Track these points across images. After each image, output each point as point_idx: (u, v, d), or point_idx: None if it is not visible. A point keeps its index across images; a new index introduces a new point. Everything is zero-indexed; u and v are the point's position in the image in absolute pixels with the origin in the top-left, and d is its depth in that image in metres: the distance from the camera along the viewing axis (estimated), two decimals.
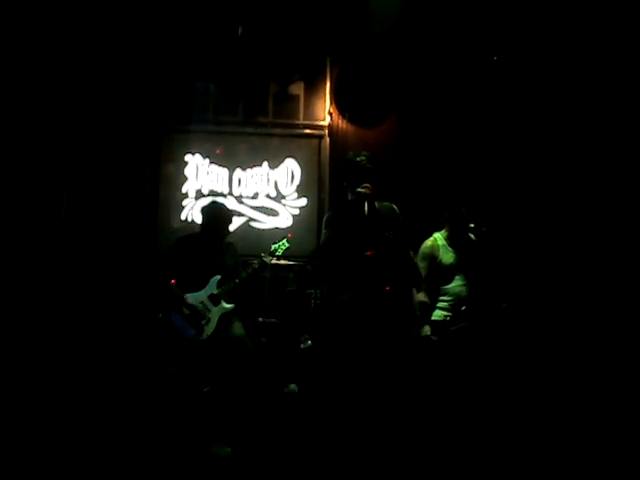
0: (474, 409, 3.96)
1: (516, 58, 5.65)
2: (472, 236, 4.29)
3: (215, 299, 4.52)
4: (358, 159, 3.77)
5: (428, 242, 4.26)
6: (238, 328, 4.57)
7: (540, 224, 5.40)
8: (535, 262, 5.29)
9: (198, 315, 4.42)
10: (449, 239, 4.26)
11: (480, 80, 5.78)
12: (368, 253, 3.61)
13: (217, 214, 4.71)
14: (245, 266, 4.70)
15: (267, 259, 4.74)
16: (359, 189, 3.65)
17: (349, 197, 3.75)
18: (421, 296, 4.08)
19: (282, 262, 4.96)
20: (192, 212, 5.86)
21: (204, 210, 4.84)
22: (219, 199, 5.59)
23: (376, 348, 3.61)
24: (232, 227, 5.34)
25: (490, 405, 4.05)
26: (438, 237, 4.28)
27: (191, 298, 4.48)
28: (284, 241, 4.85)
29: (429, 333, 4.04)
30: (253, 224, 5.91)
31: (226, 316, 4.53)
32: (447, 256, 4.20)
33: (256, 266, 4.67)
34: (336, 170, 5.92)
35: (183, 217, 5.85)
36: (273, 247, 4.82)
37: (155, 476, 3.46)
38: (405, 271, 3.83)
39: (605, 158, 5.21)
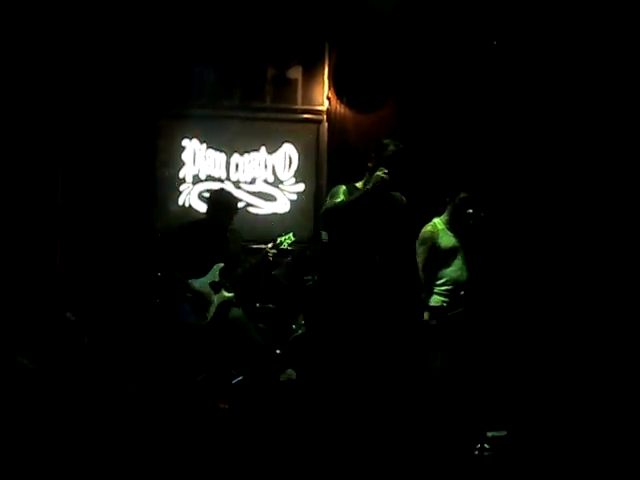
0: (468, 397, 3.97)
1: (516, 43, 5.60)
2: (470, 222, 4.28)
3: (216, 286, 4.53)
4: (395, 145, 3.73)
5: (428, 227, 4.25)
6: (237, 312, 4.59)
7: (540, 210, 5.38)
8: (534, 248, 5.28)
9: (202, 300, 4.43)
10: (449, 224, 4.25)
11: (480, 64, 5.74)
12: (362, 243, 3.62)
13: (224, 202, 4.71)
14: (249, 254, 4.72)
15: (271, 252, 4.73)
16: (378, 173, 3.61)
17: (366, 180, 3.73)
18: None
19: (281, 247, 4.94)
20: (189, 197, 5.82)
21: (211, 197, 4.83)
22: (218, 185, 5.60)
23: (373, 334, 3.61)
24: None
25: (484, 393, 4.06)
26: (438, 222, 4.27)
27: (195, 283, 4.49)
28: (290, 235, 4.84)
29: (427, 318, 4.05)
30: (251, 209, 5.88)
31: (225, 304, 4.53)
32: (446, 240, 4.19)
33: (260, 259, 4.67)
34: (334, 155, 5.90)
35: (180, 202, 5.82)
36: (279, 240, 4.82)
37: (152, 466, 3.45)
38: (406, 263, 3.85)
39: (607, 144, 5.19)
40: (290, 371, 4.79)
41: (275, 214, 5.88)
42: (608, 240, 5.06)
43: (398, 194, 3.87)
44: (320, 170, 5.94)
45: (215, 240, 4.63)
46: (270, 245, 4.77)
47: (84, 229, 5.49)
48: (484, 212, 4.18)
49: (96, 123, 5.61)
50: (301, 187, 5.93)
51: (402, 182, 3.79)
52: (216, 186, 5.53)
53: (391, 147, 3.71)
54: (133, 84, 5.66)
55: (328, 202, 3.76)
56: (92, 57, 5.53)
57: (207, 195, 5.29)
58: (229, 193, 4.81)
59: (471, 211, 4.21)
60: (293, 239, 4.84)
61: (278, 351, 4.95)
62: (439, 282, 4.15)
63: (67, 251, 5.44)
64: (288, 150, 5.94)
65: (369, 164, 3.76)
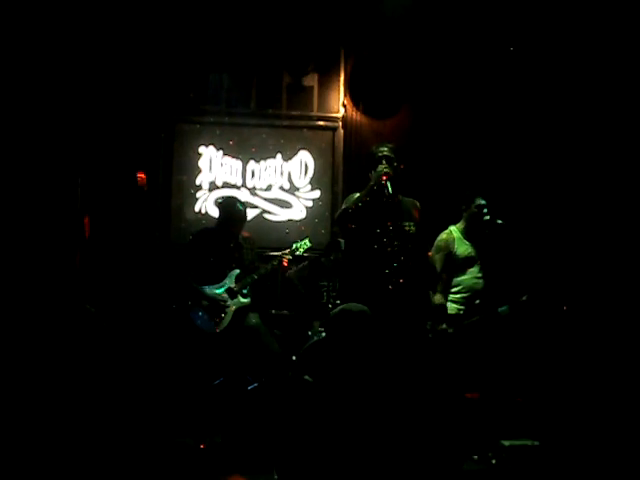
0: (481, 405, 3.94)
1: (532, 48, 5.57)
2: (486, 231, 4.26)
3: (232, 293, 4.54)
4: (381, 149, 3.73)
5: (444, 235, 4.23)
6: (254, 318, 4.60)
7: (557, 216, 5.34)
8: (552, 255, 5.23)
9: (217, 307, 4.44)
10: (465, 232, 4.23)
11: (496, 70, 5.72)
12: (379, 246, 3.58)
13: (232, 210, 4.72)
14: (264, 261, 4.72)
15: (286, 257, 4.73)
16: (380, 167, 3.60)
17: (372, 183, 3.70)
18: (438, 298, 4.06)
19: (296, 253, 4.94)
20: (206, 204, 5.85)
21: (220, 205, 4.85)
22: (233, 192, 5.62)
23: (390, 343, 3.59)
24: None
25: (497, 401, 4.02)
26: (454, 230, 4.25)
27: (209, 290, 4.50)
28: (306, 240, 4.84)
29: (445, 326, 4.02)
30: (266, 216, 5.90)
31: (242, 310, 4.54)
32: (462, 249, 4.17)
33: (275, 265, 4.68)
34: (350, 162, 5.90)
35: (197, 209, 5.85)
36: (295, 246, 4.82)
37: (163, 468, 3.45)
38: (421, 269, 3.79)
39: (625, 147, 5.14)
40: (306, 377, 4.77)
41: (291, 221, 5.89)
42: (628, 247, 5.00)
43: (410, 199, 3.83)
44: (336, 177, 5.95)
45: (227, 247, 4.64)
46: (286, 251, 4.78)
47: (102, 235, 5.53)
48: (501, 219, 4.16)
49: (114, 130, 5.65)
50: (317, 194, 5.94)
51: (415, 187, 3.78)
52: (232, 193, 5.56)
53: (375, 150, 3.73)
54: (150, 91, 5.70)
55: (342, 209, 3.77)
56: (111, 64, 5.58)
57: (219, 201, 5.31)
58: (237, 200, 4.81)
59: (488, 218, 4.18)
60: (309, 245, 4.84)
61: (294, 357, 4.94)
62: (454, 289, 4.13)
63: (85, 255, 5.48)
64: (304, 157, 5.95)
65: (369, 175, 3.74)
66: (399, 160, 3.74)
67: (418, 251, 3.73)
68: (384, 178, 3.56)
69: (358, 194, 3.77)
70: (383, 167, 3.59)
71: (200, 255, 4.59)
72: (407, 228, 3.67)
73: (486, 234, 4.20)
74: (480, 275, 4.17)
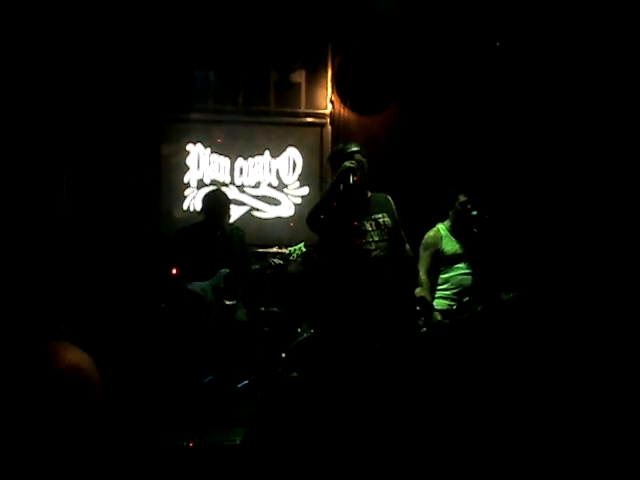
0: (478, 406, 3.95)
1: (519, 44, 5.59)
2: (474, 229, 4.27)
3: (219, 292, 4.52)
4: (348, 146, 3.74)
5: (431, 233, 4.25)
6: (241, 315, 4.61)
7: (544, 212, 5.36)
8: (539, 250, 5.26)
9: (202, 303, 4.43)
10: (452, 229, 4.25)
11: (483, 66, 5.73)
12: (357, 242, 3.57)
13: (214, 200, 4.72)
14: (257, 258, 4.72)
15: (277, 262, 4.69)
16: (345, 163, 3.60)
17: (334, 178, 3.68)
18: (418, 291, 4.07)
19: (290, 259, 4.91)
20: (194, 202, 5.83)
21: (203, 198, 4.85)
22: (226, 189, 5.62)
23: (377, 338, 3.60)
24: (234, 215, 5.37)
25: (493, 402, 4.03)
26: (441, 227, 4.27)
27: (195, 286, 4.49)
28: (301, 245, 4.76)
29: (440, 318, 4.02)
30: (255, 213, 5.89)
31: (227, 308, 4.55)
32: (450, 246, 4.18)
33: (270, 272, 4.66)
34: None
35: (185, 207, 5.83)
36: (288, 250, 4.76)
37: (157, 467, 3.46)
38: (400, 264, 3.80)
39: (608, 144, 5.17)
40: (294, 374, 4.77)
41: (279, 218, 5.88)
42: (615, 241, 5.03)
43: (382, 194, 3.83)
44: (324, 174, 5.94)
45: (214, 241, 4.63)
46: (278, 257, 4.73)
47: (89, 235, 5.50)
48: (488, 214, 4.18)
49: (100, 128, 5.62)
50: (305, 191, 5.93)
51: (402, 183, 3.78)
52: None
53: (342, 148, 3.76)
54: (137, 89, 5.67)
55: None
56: (96, 62, 5.55)
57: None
58: (219, 191, 4.82)
59: (475, 213, 4.20)
60: (304, 250, 4.76)
61: (283, 355, 4.95)
62: (443, 286, 4.15)
63: (72, 255, 5.45)
64: (292, 154, 5.94)
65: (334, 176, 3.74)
66: (367, 157, 3.74)
67: (396, 243, 3.72)
68: (348, 173, 3.55)
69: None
70: (348, 163, 3.59)
71: (185, 252, 4.58)
72: (381, 220, 3.67)
73: (473, 231, 4.22)
74: (469, 272, 4.19)
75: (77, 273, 5.27)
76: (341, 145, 3.85)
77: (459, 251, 4.19)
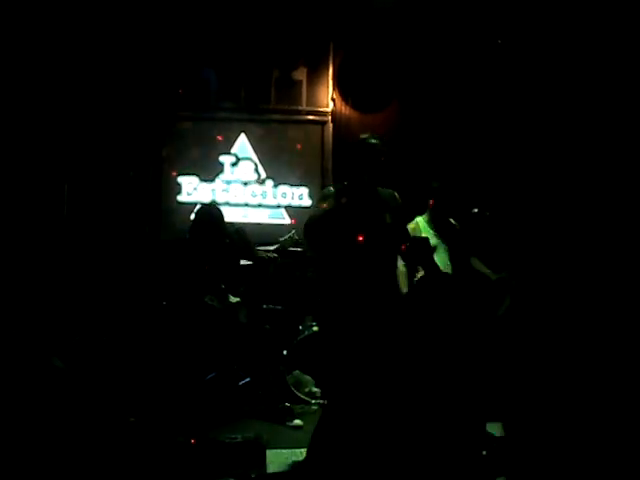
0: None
1: (519, 42, 5.59)
2: (453, 221, 4.30)
3: (221, 293, 4.54)
4: (373, 141, 3.66)
5: (410, 225, 4.26)
6: (242, 317, 4.61)
7: (543, 208, 5.36)
8: (535, 246, 5.25)
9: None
10: (430, 221, 4.28)
11: (483, 64, 5.73)
12: (359, 238, 3.54)
13: (202, 215, 4.66)
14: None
15: (270, 255, 4.70)
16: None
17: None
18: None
19: (287, 248, 4.93)
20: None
21: (195, 215, 4.81)
22: (222, 187, 5.63)
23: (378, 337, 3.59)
24: (234, 216, 5.37)
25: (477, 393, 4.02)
26: (420, 220, 4.31)
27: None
28: (291, 234, 4.79)
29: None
30: (255, 213, 5.88)
31: (232, 306, 4.56)
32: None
33: (271, 270, 4.66)
34: (339, 156, 5.90)
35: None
36: (279, 241, 4.78)
37: (159, 464, 3.47)
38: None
39: (609, 143, 5.16)
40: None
41: (279, 218, 5.86)
42: (610, 236, 5.02)
43: (389, 190, 3.75)
44: (325, 171, 5.95)
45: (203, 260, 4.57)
46: (272, 249, 4.75)
47: (90, 236, 5.51)
48: (489, 211, 4.19)
49: (103, 128, 5.62)
50: (306, 188, 5.93)
51: (403, 180, 3.77)
52: (220, 189, 5.58)
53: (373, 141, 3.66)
54: (138, 88, 5.68)
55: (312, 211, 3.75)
56: (100, 63, 5.56)
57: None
58: (211, 207, 4.78)
59: (476, 210, 4.21)
60: (296, 238, 4.78)
61: (285, 352, 4.96)
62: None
63: (74, 255, 5.47)
64: (293, 151, 5.93)
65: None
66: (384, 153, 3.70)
67: (394, 242, 3.69)
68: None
69: (332, 190, 3.67)
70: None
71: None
72: (388, 220, 3.65)
73: (451, 223, 4.23)
74: (447, 264, 4.19)
75: (77, 273, 5.29)
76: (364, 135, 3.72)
77: (436, 242, 4.19)
